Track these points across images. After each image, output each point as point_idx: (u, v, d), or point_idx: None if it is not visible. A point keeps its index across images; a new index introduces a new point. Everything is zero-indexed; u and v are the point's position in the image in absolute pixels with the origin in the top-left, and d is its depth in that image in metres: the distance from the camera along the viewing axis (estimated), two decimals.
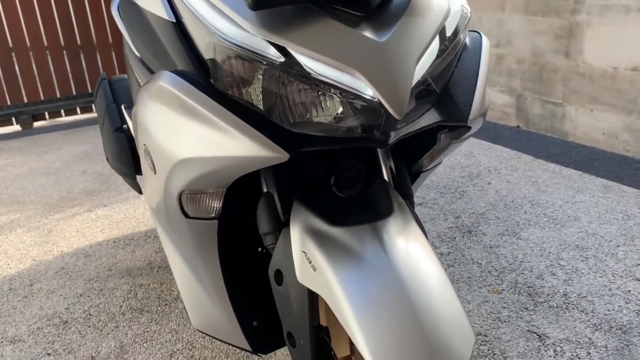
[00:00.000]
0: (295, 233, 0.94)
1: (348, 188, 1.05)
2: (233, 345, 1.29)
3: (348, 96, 0.83)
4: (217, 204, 1.03)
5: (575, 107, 3.21)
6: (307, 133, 0.86)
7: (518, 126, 3.63)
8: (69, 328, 1.79)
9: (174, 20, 0.92)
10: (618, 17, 2.87)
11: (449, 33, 0.93)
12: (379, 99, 0.81)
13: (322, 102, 0.85)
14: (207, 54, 0.86)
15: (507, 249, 2.10)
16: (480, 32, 1.08)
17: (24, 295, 2.00)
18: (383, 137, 0.88)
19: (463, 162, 3.02)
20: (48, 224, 2.58)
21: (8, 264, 2.23)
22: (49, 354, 1.67)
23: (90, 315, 1.86)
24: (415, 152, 1.16)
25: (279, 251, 0.99)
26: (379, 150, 1.10)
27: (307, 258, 0.90)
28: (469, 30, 1.07)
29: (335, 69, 0.81)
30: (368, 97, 0.83)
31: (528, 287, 1.86)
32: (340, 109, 0.85)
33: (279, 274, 0.99)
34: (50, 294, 2.00)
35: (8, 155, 3.66)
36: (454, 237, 2.21)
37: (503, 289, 1.85)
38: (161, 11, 0.94)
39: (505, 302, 1.78)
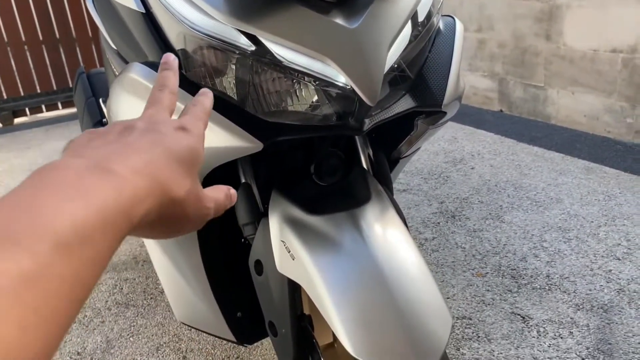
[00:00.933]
0: (274, 223, 0.94)
1: (328, 176, 1.05)
2: (218, 337, 1.29)
3: (322, 84, 0.82)
4: None
5: (557, 90, 3.22)
6: (282, 122, 0.86)
7: (501, 110, 3.65)
8: None
9: (143, 11, 0.90)
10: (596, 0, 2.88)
11: (421, 18, 0.92)
12: (351, 86, 0.81)
13: (297, 90, 0.84)
14: (177, 45, 0.85)
15: (491, 232, 2.12)
16: (454, 16, 1.08)
17: None
18: (357, 124, 0.87)
19: (446, 147, 3.03)
20: None
21: None
22: None
23: None
24: (394, 139, 1.16)
25: (258, 241, 0.99)
26: (357, 138, 1.09)
27: (286, 247, 0.90)
28: (443, 15, 1.07)
29: (306, 56, 0.80)
30: (341, 85, 0.82)
31: (511, 269, 1.87)
32: (315, 97, 0.85)
33: (258, 264, 0.99)
34: None
35: None
36: (439, 223, 2.22)
37: (487, 272, 1.87)
38: (130, 2, 0.93)
39: (489, 285, 1.80)
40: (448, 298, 1.74)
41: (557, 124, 3.26)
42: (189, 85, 0.83)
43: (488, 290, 1.77)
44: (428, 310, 0.82)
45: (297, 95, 0.85)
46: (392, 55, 0.85)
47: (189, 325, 1.30)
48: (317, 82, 0.82)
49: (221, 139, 0.82)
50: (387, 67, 0.84)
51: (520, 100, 3.49)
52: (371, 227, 0.89)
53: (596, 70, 2.97)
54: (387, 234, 0.89)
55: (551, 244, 2.00)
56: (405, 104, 0.93)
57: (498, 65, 3.58)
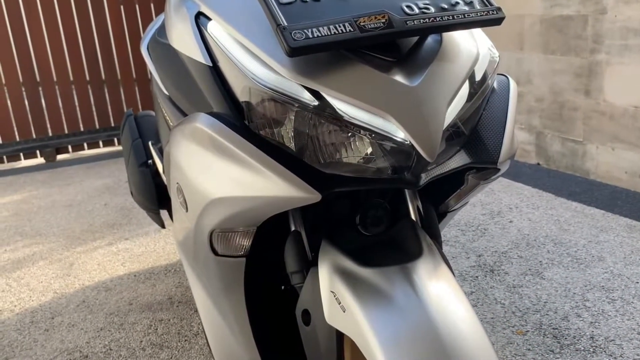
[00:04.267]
0: (324, 273, 0.94)
1: (373, 227, 1.05)
2: None
3: (378, 138, 0.84)
4: (246, 242, 1.03)
5: (596, 145, 3.19)
6: (338, 173, 0.87)
7: (538, 163, 3.62)
8: None
9: (211, 64, 0.94)
10: (637, 57, 2.88)
11: (478, 77, 0.94)
12: (410, 142, 0.82)
13: (352, 142, 0.86)
14: (242, 97, 0.88)
15: (531, 289, 2.07)
16: (508, 75, 1.09)
17: (45, 329, 2.01)
18: (414, 178, 0.88)
19: (484, 199, 3.00)
20: (70, 256, 2.61)
21: (30, 297, 2.25)
22: None
23: (111, 350, 1.85)
24: (442, 192, 1.16)
25: (306, 291, 0.99)
26: (406, 190, 1.10)
27: (336, 299, 0.90)
28: (498, 74, 1.08)
29: (367, 112, 0.83)
30: (399, 140, 0.84)
31: (553, 328, 1.82)
32: (370, 150, 0.86)
33: (306, 314, 0.99)
34: (71, 328, 2.00)
35: (32, 188, 3.72)
36: (477, 277, 2.18)
37: (527, 331, 1.82)
38: (198, 55, 0.97)
39: (530, 344, 1.75)
40: None
41: (596, 180, 3.21)
42: (252, 136, 0.86)
43: (529, 350, 1.72)
44: None
45: (351, 147, 0.87)
46: (451, 113, 0.87)
47: None
48: (373, 136, 0.84)
49: (281, 188, 0.83)
50: (445, 124, 0.85)
51: (557, 154, 3.46)
52: (424, 282, 0.89)
53: (638, 127, 2.94)
54: (439, 290, 0.88)
55: (594, 304, 1.94)
56: (460, 159, 0.94)
57: (535, 118, 3.58)
